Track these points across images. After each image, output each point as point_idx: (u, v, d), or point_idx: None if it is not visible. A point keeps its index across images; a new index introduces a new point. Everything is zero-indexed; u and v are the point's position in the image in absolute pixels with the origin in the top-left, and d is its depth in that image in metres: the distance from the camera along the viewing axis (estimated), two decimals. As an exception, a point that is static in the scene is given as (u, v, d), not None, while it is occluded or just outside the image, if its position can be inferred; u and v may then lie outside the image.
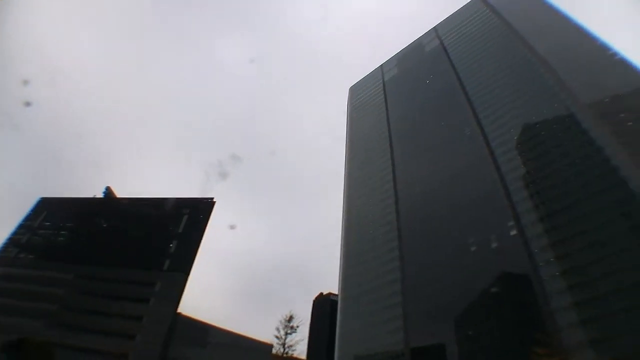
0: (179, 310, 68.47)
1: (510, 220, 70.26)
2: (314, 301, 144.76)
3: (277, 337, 39.72)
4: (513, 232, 69.33)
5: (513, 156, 77.37)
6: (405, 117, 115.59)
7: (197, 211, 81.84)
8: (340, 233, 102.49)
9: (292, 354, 39.02)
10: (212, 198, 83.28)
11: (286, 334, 39.43)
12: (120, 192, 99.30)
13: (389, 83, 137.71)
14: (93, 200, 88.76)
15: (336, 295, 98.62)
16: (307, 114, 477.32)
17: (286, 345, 39.15)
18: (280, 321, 39.82)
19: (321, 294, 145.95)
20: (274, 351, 40.60)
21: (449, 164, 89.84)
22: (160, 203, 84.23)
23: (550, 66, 76.75)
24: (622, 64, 68.74)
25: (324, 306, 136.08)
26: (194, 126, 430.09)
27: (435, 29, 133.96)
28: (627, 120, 61.58)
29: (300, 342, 39.25)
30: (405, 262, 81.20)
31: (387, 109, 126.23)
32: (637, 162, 56.80)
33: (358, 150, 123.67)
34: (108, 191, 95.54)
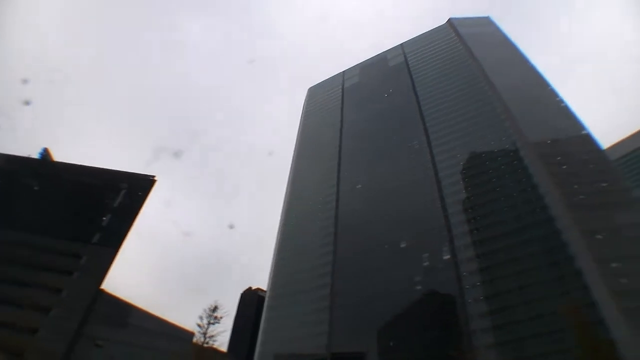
0: (103, 286, 63.26)
1: (445, 240, 73.45)
2: (242, 294, 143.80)
3: (199, 325, 37.85)
4: (446, 253, 72.63)
5: (456, 180, 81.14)
6: (358, 126, 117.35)
7: (137, 187, 76.25)
8: (277, 231, 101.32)
9: (213, 345, 37.34)
10: (154, 176, 77.97)
11: (209, 323, 37.67)
12: (60, 159, 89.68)
13: (349, 90, 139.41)
14: (24, 160, 78.72)
15: (264, 291, 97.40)
16: (267, 109, 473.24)
17: (207, 335, 37.38)
18: (205, 310, 38.06)
19: (250, 288, 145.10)
20: (194, 340, 38.70)
21: (393, 178, 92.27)
22: (98, 173, 77.39)
23: (504, 101, 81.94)
24: (566, 112, 75.28)
25: (251, 301, 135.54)
26: (150, 104, 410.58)
27: (402, 45, 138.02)
28: (563, 164, 67.08)
29: (222, 334, 37.77)
30: (338, 268, 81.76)
31: (342, 114, 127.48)
32: (565, 203, 61.86)
33: (306, 151, 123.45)
34: (45, 153, 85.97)
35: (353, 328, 69.47)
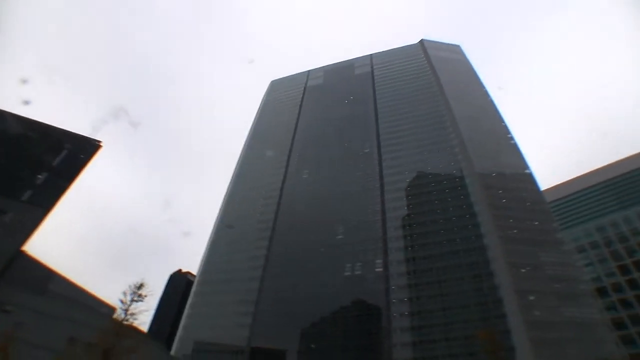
0: (26, 248, 57.19)
1: (380, 252, 75.27)
2: (171, 276, 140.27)
3: (122, 301, 35.37)
4: (378, 265, 74.38)
5: (400, 196, 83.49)
6: (314, 127, 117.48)
7: (80, 150, 70.34)
8: (216, 218, 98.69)
9: (133, 323, 35.07)
10: (100, 141, 72.73)
11: (132, 300, 35.33)
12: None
13: (311, 90, 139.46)
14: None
15: (194, 276, 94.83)
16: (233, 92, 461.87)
17: (129, 312, 35.06)
18: (130, 286, 35.70)
19: (180, 271, 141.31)
20: (115, 315, 36.17)
21: (340, 184, 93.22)
22: (41, 128, 70.30)
23: (459, 129, 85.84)
24: (514, 149, 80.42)
25: (179, 283, 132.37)
26: (112, 67, 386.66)
27: (371, 56, 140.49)
28: (503, 197, 71.36)
29: (144, 313, 35.58)
30: (270, 264, 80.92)
31: (299, 113, 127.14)
32: (498, 235, 65.74)
33: (257, 143, 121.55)
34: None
35: (277, 325, 68.84)
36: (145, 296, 36.49)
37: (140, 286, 36.79)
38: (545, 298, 56.33)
